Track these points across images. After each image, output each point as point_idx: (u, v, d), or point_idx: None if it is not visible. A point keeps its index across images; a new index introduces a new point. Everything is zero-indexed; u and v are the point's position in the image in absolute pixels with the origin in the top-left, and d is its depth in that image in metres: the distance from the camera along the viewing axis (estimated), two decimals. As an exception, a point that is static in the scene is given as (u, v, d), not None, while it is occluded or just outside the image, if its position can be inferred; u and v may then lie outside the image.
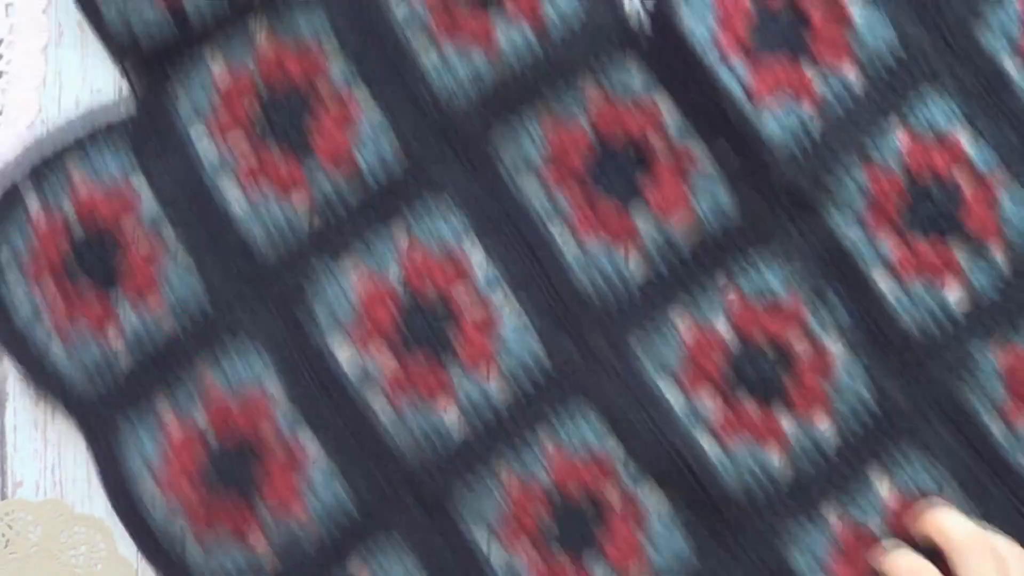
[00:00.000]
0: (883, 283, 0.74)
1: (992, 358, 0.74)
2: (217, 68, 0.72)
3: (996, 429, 0.73)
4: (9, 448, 0.73)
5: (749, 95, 0.73)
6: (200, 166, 0.72)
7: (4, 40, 0.75)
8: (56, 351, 0.71)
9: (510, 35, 0.72)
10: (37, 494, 0.73)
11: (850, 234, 0.74)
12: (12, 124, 0.75)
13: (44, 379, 0.72)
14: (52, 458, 0.73)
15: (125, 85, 0.74)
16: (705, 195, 0.73)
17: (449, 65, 0.72)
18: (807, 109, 0.74)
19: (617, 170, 0.73)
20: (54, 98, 0.75)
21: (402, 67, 0.72)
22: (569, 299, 0.72)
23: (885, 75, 0.74)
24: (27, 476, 0.73)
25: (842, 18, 0.74)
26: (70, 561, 0.72)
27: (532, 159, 0.72)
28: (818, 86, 0.74)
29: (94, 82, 0.75)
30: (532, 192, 0.72)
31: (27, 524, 0.72)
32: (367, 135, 0.72)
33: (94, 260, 0.71)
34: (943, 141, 0.74)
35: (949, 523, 0.68)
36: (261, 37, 0.72)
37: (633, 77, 0.73)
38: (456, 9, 0.73)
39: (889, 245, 0.74)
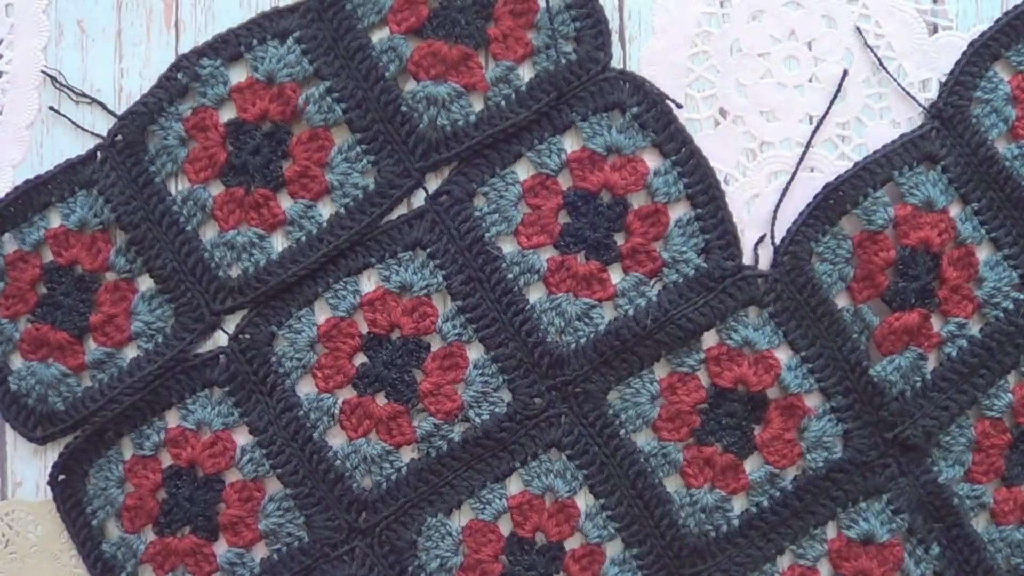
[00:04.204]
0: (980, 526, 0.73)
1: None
2: (321, 318, 0.72)
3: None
4: (9, 448, 0.73)
5: (876, 344, 0.71)
6: (297, 405, 0.72)
7: (4, 40, 0.74)
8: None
9: (627, 284, 0.71)
10: (37, 494, 0.73)
11: (953, 484, 0.72)
12: (12, 124, 0.74)
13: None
14: (52, 458, 0.73)
15: (124, 84, 0.74)
16: (815, 445, 0.72)
17: (560, 311, 0.71)
18: (928, 355, 0.71)
19: (731, 421, 0.71)
20: (54, 98, 0.75)
21: (513, 314, 0.71)
22: (677, 544, 0.71)
23: (1009, 328, 0.72)
24: (27, 476, 0.73)
25: (973, 272, 0.72)
26: (70, 561, 0.73)
27: (649, 416, 0.71)
28: (943, 336, 0.72)
29: (94, 82, 0.74)
30: (647, 447, 0.71)
31: (27, 524, 0.73)
32: (476, 383, 0.71)
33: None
34: None
35: None
36: (372, 289, 0.72)
37: (751, 327, 0.71)
38: (572, 259, 0.71)
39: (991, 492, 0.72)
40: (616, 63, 0.73)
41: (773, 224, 0.71)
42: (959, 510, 0.71)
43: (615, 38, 0.73)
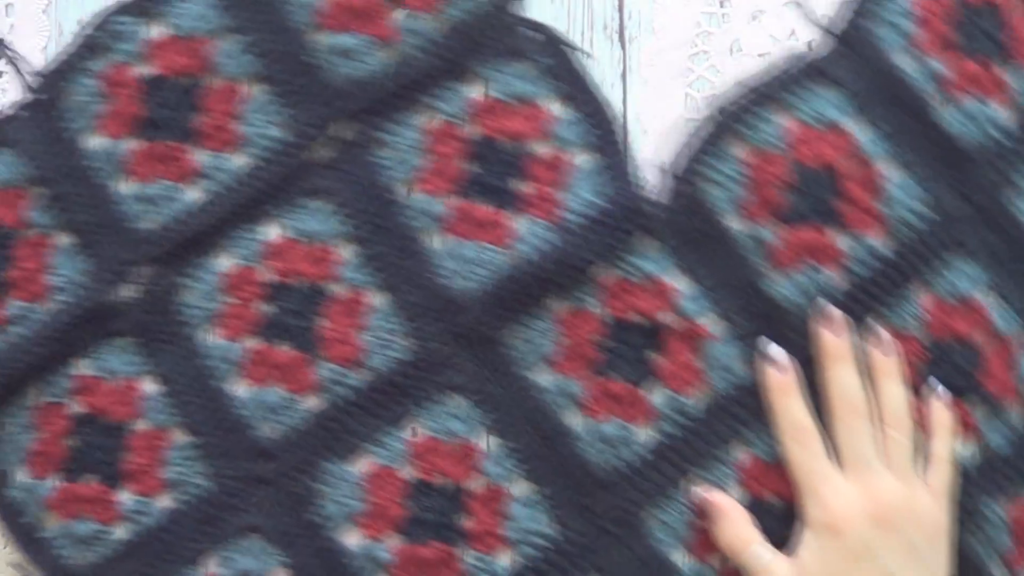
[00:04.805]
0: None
1: (1001, 511, 0.72)
2: (226, 266, 0.72)
3: (998, 573, 0.72)
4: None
5: (772, 262, 0.72)
6: (205, 357, 0.72)
7: (4, 40, 0.75)
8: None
9: (525, 228, 0.71)
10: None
11: None
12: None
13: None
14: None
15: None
16: (719, 367, 0.72)
17: (462, 258, 0.71)
18: (829, 272, 0.71)
19: (631, 353, 0.71)
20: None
21: (413, 261, 0.72)
22: (582, 478, 0.71)
23: (914, 241, 0.72)
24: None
25: (875, 186, 0.72)
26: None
27: (546, 352, 0.71)
28: (844, 251, 0.72)
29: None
30: (546, 383, 0.72)
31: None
32: (377, 330, 0.71)
33: None
34: (967, 306, 0.72)
35: (826, 337, 0.69)
36: (275, 237, 0.72)
37: (648, 260, 0.72)
38: (472, 206, 0.72)
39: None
40: (616, 63, 0.74)
41: (673, 159, 0.72)
42: None
43: (615, 38, 0.75)
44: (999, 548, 0.72)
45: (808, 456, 0.68)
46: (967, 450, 0.72)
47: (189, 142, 0.72)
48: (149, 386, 0.71)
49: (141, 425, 0.71)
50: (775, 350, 0.70)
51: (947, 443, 0.70)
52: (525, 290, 0.69)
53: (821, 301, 0.71)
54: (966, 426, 0.72)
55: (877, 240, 0.72)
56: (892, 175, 0.72)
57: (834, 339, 0.69)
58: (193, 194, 0.72)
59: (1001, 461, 0.72)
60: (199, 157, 0.72)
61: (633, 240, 0.71)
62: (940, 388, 0.71)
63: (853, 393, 0.69)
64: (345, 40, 0.72)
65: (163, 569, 0.70)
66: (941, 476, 0.70)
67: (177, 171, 0.71)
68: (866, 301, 0.72)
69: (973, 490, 0.72)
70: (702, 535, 0.71)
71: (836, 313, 0.70)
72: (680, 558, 0.71)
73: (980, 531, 0.72)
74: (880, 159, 0.72)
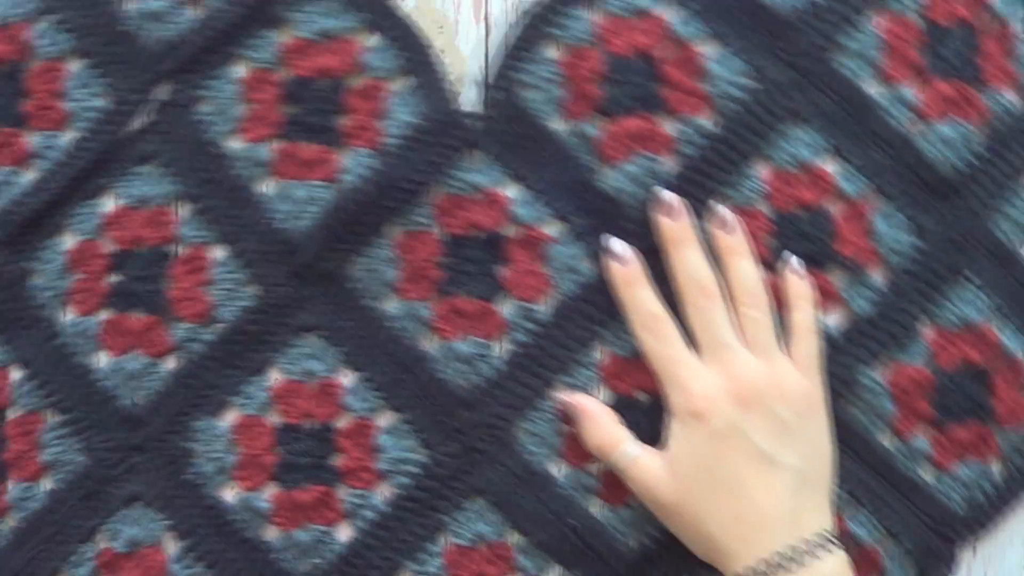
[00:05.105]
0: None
1: (878, 377, 0.72)
2: (69, 243, 0.72)
3: (888, 443, 0.72)
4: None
5: (600, 157, 0.72)
6: (63, 336, 0.72)
7: None
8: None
9: (350, 160, 0.71)
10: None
11: None
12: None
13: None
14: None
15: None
16: (564, 269, 0.72)
17: (293, 199, 0.71)
18: (661, 159, 0.71)
19: (474, 268, 0.72)
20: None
21: (247, 209, 0.72)
22: (445, 400, 0.71)
23: (743, 115, 0.72)
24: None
25: (695, 65, 0.72)
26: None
27: (389, 279, 0.72)
28: (673, 136, 0.71)
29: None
30: (394, 310, 0.72)
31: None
32: (222, 283, 0.72)
33: None
34: (810, 173, 0.72)
35: (665, 223, 0.69)
36: (111, 207, 0.72)
37: (476, 173, 0.72)
38: (297, 147, 0.72)
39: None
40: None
41: (487, 68, 0.72)
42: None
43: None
44: (883, 415, 0.71)
45: (664, 345, 0.68)
46: (831, 319, 0.71)
47: (20, 126, 0.72)
48: (15, 373, 0.72)
49: (13, 413, 0.72)
50: (616, 244, 0.69)
51: (808, 314, 0.70)
52: (358, 220, 0.70)
53: (656, 188, 0.70)
54: (828, 295, 0.71)
55: (705, 119, 0.71)
56: (709, 52, 0.72)
57: (673, 224, 0.69)
58: (29, 176, 0.72)
59: (869, 325, 0.72)
60: (30, 139, 0.72)
61: (458, 155, 0.71)
62: (793, 260, 0.70)
63: (701, 275, 0.68)
64: (152, 4, 0.72)
65: (56, 552, 0.71)
66: (806, 348, 0.69)
67: (11, 156, 0.72)
68: (703, 182, 0.72)
69: (846, 360, 0.72)
70: (573, 442, 0.71)
71: (671, 197, 0.69)
72: (556, 468, 0.71)
73: (861, 400, 0.71)
74: (695, 39, 0.72)
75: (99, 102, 0.72)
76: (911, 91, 0.72)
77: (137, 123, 0.72)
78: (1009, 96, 0.73)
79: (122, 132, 0.72)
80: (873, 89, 0.72)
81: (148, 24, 0.72)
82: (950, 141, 0.71)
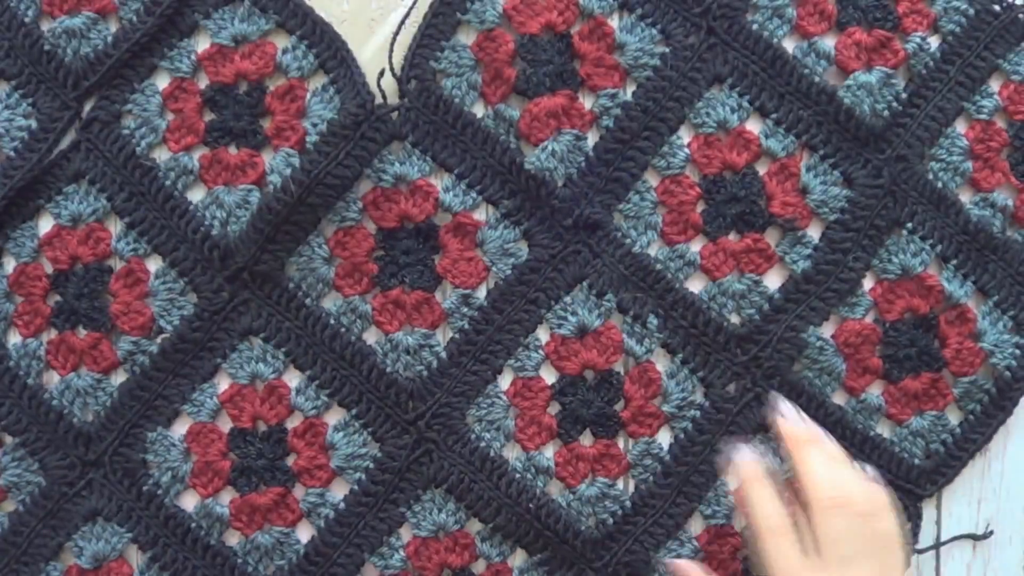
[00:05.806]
0: (697, 286, 0.73)
1: (825, 335, 0.72)
2: (8, 267, 0.73)
3: (842, 400, 0.73)
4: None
5: (523, 137, 0.72)
6: (10, 359, 0.72)
7: None
8: None
9: (277, 162, 0.72)
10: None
11: (651, 250, 0.72)
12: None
13: None
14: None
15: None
16: (498, 252, 0.72)
17: (223, 205, 0.71)
18: (584, 134, 0.72)
19: (408, 259, 0.72)
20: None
21: (178, 219, 0.72)
22: (392, 392, 0.72)
23: (660, 82, 0.72)
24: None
25: (607, 38, 0.72)
26: None
27: (328, 278, 0.72)
28: (593, 110, 0.72)
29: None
30: (334, 307, 0.72)
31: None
32: (161, 293, 0.72)
33: None
34: (734, 134, 0.72)
35: (786, 425, 0.65)
36: (46, 228, 0.73)
37: (401, 164, 0.72)
38: (222, 152, 0.72)
39: (699, 251, 0.72)
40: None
41: (390, 56, 0.71)
42: (664, 275, 0.70)
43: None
44: (834, 373, 0.71)
45: (783, 558, 0.64)
46: (770, 280, 0.71)
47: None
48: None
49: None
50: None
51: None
52: (288, 220, 0.69)
53: (772, 395, 0.70)
54: (765, 255, 0.71)
55: (622, 91, 0.72)
56: (620, 23, 0.72)
57: (796, 427, 0.66)
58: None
59: (809, 283, 0.72)
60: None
61: (381, 148, 0.71)
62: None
63: (836, 483, 0.64)
64: (69, 22, 0.72)
65: (23, 573, 0.72)
66: None
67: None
68: (627, 152, 0.71)
69: (792, 320, 0.71)
70: (527, 425, 0.71)
71: (788, 408, 0.67)
72: (510, 453, 0.72)
73: (810, 361, 0.71)
74: (604, 10, 0.72)
75: (25, 122, 0.72)
76: (827, 42, 0.72)
77: (64, 142, 0.72)
78: (927, 37, 0.72)
79: (50, 152, 0.71)
80: (789, 44, 0.71)
81: (67, 42, 0.72)
82: (870, 88, 0.71)
